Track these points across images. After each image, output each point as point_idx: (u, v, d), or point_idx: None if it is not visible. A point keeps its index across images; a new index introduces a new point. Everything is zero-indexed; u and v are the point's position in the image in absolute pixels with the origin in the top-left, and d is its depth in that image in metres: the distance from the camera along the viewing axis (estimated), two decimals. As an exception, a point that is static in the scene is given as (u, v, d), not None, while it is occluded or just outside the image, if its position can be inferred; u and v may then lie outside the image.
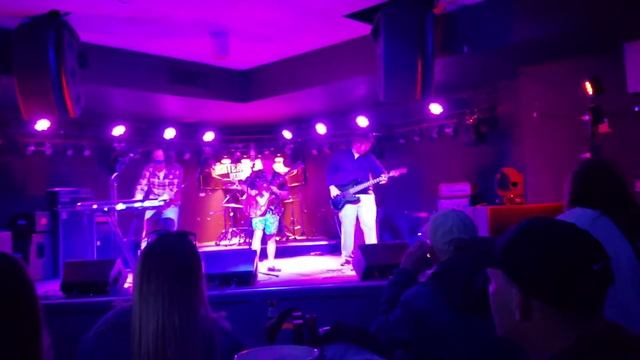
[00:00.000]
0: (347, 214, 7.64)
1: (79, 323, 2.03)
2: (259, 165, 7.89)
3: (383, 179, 7.46)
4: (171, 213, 7.98)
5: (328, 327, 1.99)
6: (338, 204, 7.69)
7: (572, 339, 1.13)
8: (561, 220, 1.24)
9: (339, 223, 7.83)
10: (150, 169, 8.28)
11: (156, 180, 8.26)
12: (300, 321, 2.01)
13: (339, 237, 8.06)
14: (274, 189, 7.60)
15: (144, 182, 8.23)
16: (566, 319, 1.15)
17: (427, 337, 2.18)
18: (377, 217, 7.82)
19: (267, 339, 2.08)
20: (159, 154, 8.25)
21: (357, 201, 7.56)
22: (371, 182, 7.55)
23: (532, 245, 1.18)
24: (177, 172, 8.34)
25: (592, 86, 5.91)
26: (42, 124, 8.01)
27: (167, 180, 8.26)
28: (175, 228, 7.94)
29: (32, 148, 8.73)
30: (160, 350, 1.78)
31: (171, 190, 8.13)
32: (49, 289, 6.30)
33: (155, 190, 8.20)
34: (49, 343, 1.38)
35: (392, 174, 7.46)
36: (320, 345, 1.85)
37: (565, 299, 1.14)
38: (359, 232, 7.74)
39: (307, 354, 1.75)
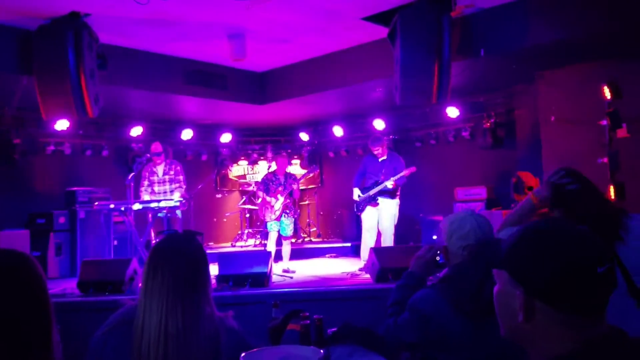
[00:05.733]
0: (367, 216, 7.63)
1: (95, 321, 2.05)
2: (274, 166, 7.86)
3: (389, 184, 7.40)
4: (177, 212, 7.74)
5: (335, 329, 1.99)
6: (359, 206, 7.68)
7: (575, 342, 1.12)
8: (566, 223, 1.23)
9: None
10: (149, 169, 8.01)
11: (155, 178, 7.98)
12: (308, 322, 2.01)
13: (356, 240, 8.01)
14: (295, 183, 7.62)
15: (146, 183, 7.99)
16: (569, 321, 1.14)
17: (434, 340, 2.17)
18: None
19: (270, 340, 2.08)
20: (157, 146, 7.95)
21: (375, 204, 7.52)
22: (379, 187, 7.45)
23: (537, 246, 1.18)
24: (178, 168, 8.06)
25: (610, 90, 5.85)
26: (62, 124, 8.11)
27: (167, 177, 7.99)
28: (180, 227, 7.83)
29: (52, 148, 8.85)
30: (161, 347, 1.79)
31: (181, 187, 7.97)
32: (67, 287, 6.37)
33: (156, 188, 7.96)
34: (58, 340, 1.39)
35: (404, 173, 7.39)
36: (327, 346, 1.85)
37: (568, 302, 1.14)
38: (378, 236, 7.70)
39: (313, 355, 1.75)
